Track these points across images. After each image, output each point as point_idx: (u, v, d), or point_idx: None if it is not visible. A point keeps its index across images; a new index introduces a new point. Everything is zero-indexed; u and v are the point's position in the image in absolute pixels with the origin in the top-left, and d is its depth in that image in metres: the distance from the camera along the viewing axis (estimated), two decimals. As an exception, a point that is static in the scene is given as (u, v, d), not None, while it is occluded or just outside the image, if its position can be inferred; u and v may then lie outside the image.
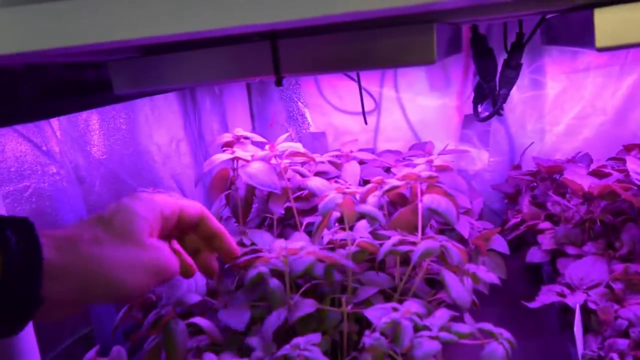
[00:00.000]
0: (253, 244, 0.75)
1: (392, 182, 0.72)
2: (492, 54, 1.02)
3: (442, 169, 0.78)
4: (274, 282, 0.66)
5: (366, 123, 1.22)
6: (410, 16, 0.55)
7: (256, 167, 0.79)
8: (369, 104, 1.24)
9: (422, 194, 0.70)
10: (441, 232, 0.87)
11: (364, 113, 1.20)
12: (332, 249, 0.72)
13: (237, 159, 0.78)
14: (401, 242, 0.66)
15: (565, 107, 1.15)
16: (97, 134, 0.91)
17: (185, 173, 1.14)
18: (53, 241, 0.43)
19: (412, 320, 0.57)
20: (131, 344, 0.70)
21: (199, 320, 0.61)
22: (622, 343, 0.62)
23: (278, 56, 0.62)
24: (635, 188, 0.78)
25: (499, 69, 1.02)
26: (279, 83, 0.63)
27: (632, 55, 1.09)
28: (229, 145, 0.86)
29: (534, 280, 0.92)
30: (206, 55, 0.66)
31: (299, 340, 0.57)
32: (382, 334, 0.57)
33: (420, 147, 1.11)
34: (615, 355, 0.60)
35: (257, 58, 0.64)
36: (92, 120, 0.90)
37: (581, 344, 0.65)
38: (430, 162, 0.78)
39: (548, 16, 0.85)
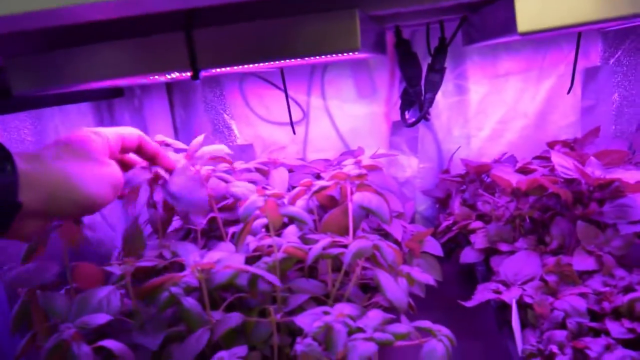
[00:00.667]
0: (175, 255, 0.69)
1: (321, 183, 0.68)
2: (416, 59, 1.02)
3: (371, 168, 0.75)
4: (188, 302, 0.59)
5: (294, 133, 1.19)
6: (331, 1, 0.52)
7: (178, 181, 0.73)
8: (296, 114, 1.21)
9: (352, 193, 0.67)
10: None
11: (292, 123, 1.17)
12: (259, 257, 0.67)
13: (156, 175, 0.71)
14: (332, 245, 0.62)
15: (488, 111, 1.17)
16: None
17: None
18: (22, 157, 0.48)
19: (345, 323, 0.53)
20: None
21: (108, 342, 0.54)
22: (560, 334, 0.61)
23: (194, 48, 0.58)
24: (562, 181, 0.79)
25: (424, 73, 1.03)
26: (195, 77, 0.58)
27: (549, 59, 1.13)
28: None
29: (470, 281, 0.91)
30: (114, 48, 0.61)
31: (222, 354, 0.52)
32: (314, 339, 0.52)
33: (350, 154, 1.09)
34: (554, 347, 0.59)
35: (170, 50, 0.59)
36: None
37: (520, 338, 0.63)
38: (358, 162, 0.75)
39: (470, 16, 0.86)
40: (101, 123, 1.09)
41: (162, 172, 0.68)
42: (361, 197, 0.65)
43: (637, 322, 0.60)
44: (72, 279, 0.67)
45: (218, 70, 0.64)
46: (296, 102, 1.20)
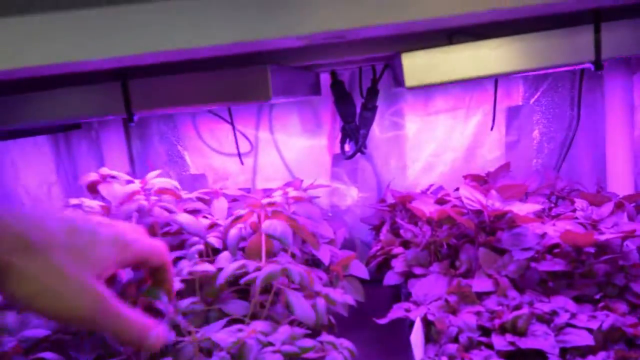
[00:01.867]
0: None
1: (240, 211, 0.76)
2: (350, 98, 1.12)
3: (297, 199, 0.84)
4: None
5: (242, 164, 1.27)
6: (247, 57, 0.61)
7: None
8: (246, 146, 1.29)
9: (270, 217, 0.75)
10: (306, 261, 0.93)
11: (239, 154, 1.25)
12: (193, 281, 0.74)
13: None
14: (242, 267, 0.70)
15: (422, 145, 1.27)
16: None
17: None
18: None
19: (257, 339, 0.61)
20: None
21: (46, 354, 0.61)
22: (452, 347, 0.69)
23: (129, 95, 0.66)
24: (470, 212, 0.88)
25: (358, 111, 1.13)
26: (129, 120, 0.67)
27: (476, 99, 1.24)
28: (93, 185, 0.86)
29: (396, 302, 1.00)
30: (60, 94, 0.68)
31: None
32: (228, 353, 0.59)
33: (292, 184, 1.18)
34: (445, 358, 0.67)
35: (109, 97, 0.67)
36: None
37: (419, 350, 0.71)
38: (285, 194, 0.84)
39: (391, 63, 0.96)
40: (58, 156, 1.15)
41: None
42: (268, 225, 0.73)
43: (518, 337, 0.69)
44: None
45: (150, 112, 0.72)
46: (244, 136, 1.28)
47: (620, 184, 1.12)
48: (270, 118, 1.29)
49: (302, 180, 1.17)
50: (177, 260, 0.83)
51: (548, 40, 0.65)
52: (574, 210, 0.91)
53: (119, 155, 1.31)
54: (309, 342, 0.63)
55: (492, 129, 1.20)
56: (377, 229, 1.17)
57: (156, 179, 0.84)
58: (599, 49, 0.60)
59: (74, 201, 0.80)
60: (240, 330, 0.63)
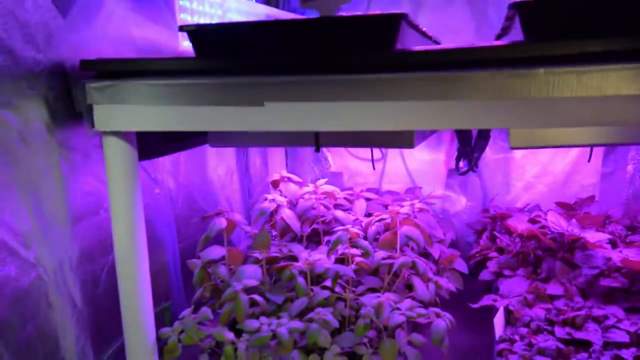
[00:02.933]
0: (290, 251, 1.12)
1: (383, 216, 1.09)
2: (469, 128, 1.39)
3: (420, 210, 1.14)
4: (300, 280, 1.02)
5: (374, 168, 1.59)
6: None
7: (288, 213, 1.16)
8: (378, 154, 1.61)
9: (401, 225, 1.07)
10: (421, 254, 1.23)
11: (372, 161, 1.57)
12: (342, 260, 1.08)
13: (278, 205, 1.15)
14: (389, 257, 1.02)
15: (526, 167, 1.51)
16: (183, 167, 1.29)
17: (234, 197, 1.51)
18: None
19: (390, 304, 0.94)
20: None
21: (255, 296, 0.98)
22: (524, 330, 0.97)
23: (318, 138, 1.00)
24: (553, 232, 1.14)
25: (474, 137, 1.39)
26: (317, 150, 1.01)
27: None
28: (276, 183, 1.23)
29: (486, 294, 1.27)
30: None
31: (319, 309, 0.93)
32: (372, 308, 0.93)
33: (412, 191, 1.48)
34: (517, 337, 0.96)
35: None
36: (180, 157, 1.28)
37: (499, 330, 1.00)
38: (412, 205, 1.15)
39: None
40: (237, 151, 1.54)
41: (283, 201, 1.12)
42: (406, 229, 1.05)
43: (575, 330, 0.95)
44: (228, 258, 1.12)
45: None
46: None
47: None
48: (399, 133, 1.59)
49: (421, 188, 1.47)
50: (327, 242, 1.18)
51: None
52: (643, 241, 1.13)
53: (277, 151, 1.69)
54: (422, 311, 0.94)
55: (589, 160, 1.42)
56: (479, 233, 1.45)
57: (324, 185, 1.18)
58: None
59: (269, 196, 1.16)
60: (378, 296, 0.96)
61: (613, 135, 0.89)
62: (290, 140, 1.02)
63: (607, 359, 0.86)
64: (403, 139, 0.94)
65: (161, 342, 1.00)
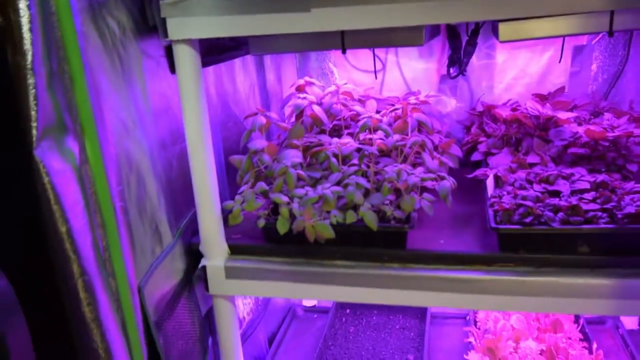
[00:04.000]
0: (319, 140, 1.36)
1: (397, 106, 1.33)
2: (459, 36, 1.62)
3: (423, 102, 1.39)
4: (333, 159, 1.27)
5: (376, 78, 1.82)
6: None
7: (317, 108, 1.39)
8: (378, 65, 1.84)
9: (411, 112, 1.32)
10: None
11: (375, 71, 1.80)
12: (365, 143, 1.33)
13: (310, 102, 1.38)
14: (402, 139, 1.28)
15: (506, 71, 1.76)
16: (219, 78, 1.50)
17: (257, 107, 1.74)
18: None
19: (406, 171, 1.20)
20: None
21: (299, 171, 1.23)
22: (509, 188, 1.25)
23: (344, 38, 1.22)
24: (531, 116, 1.40)
25: (463, 45, 1.63)
26: (343, 51, 1.23)
27: (545, 40, 1.70)
28: (301, 87, 1.46)
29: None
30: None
31: (352, 177, 1.19)
32: (394, 173, 1.19)
33: (412, 94, 1.72)
34: (504, 193, 1.24)
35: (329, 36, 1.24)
36: (218, 69, 1.49)
37: (490, 190, 1.28)
38: (417, 98, 1.39)
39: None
40: (258, 67, 1.75)
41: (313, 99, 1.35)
42: (417, 115, 1.30)
43: (549, 185, 1.23)
44: (268, 149, 1.36)
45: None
46: (378, 58, 1.82)
47: (652, 107, 1.58)
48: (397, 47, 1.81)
49: (419, 91, 1.71)
50: (349, 134, 1.43)
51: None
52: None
53: (289, 68, 1.90)
54: (432, 175, 1.21)
55: (560, 61, 1.67)
56: (467, 128, 1.71)
57: (345, 85, 1.41)
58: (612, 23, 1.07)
59: (300, 95, 1.39)
60: (396, 166, 1.22)
61: (583, 25, 1.13)
62: (320, 43, 1.25)
63: (573, 199, 1.15)
64: (415, 37, 1.17)
65: (225, 212, 1.26)
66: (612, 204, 1.11)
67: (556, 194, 1.20)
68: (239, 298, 1.60)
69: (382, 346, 1.76)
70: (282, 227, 1.18)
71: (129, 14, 1.06)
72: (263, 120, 1.35)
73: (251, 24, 1.06)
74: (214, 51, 1.34)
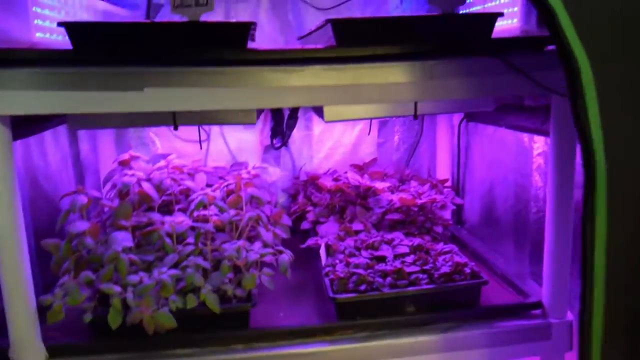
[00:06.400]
0: (150, 219, 1.29)
1: (230, 181, 1.34)
2: (281, 110, 1.70)
3: (255, 176, 1.42)
4: (167, 240, 1.21)
5: (201, 148, 1.81)
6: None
7: (147, 185, 1.33)
8: (202, 135, 1.83)
9: (245, 187, 1.33)
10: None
11: (200, 141, 1.79)
12: (198, 221, 1.30)
13: (138, 178, 1.31)
14: (237, 214, 1.28)
15: (324, 142, 1.89)
16: (28, 151, 1.34)
17: (70, 181, 1.58)
18: None
19: (245, 248, 1.19)
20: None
21: (131, 255, 1.14)
22: (341, 256, 1.33)
23: (175, 117, 1.20)
24: (352, 186, 1.52)
25: (285, 118, 1.72)
26: (175, 128, 1.20)
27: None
28: (126, 162, 1.38)
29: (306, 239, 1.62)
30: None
31: (191, 257, 1.15)
32: (235, 251, 1.17)
33: (239, 165, 1.74)
34: (337, 261, 1.30)
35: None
36: (26, 142, 1.32)
37: (323, 257, 1.34)
38: (249, 172, 1.42)
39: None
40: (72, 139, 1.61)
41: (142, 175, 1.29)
42: (251, 190, 1.32)
43: (374, 250, 1.34)
44: (90, 231, 1.24)
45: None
46: (203, 129, 1.82)
47: (443, 173, 1.83)
48: (220, 117, 1.83)
49: (247, 162, 1.74)
50: (180, 209, 1.38)
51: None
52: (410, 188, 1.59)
53: (106, 137, 1.78)
54: (270, 250, 1.23)
55: (369, 133, 1.86)
56: (293, 197, 1.79)
57: (175, 160, 1.37)
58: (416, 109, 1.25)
59: (128, 172, 1.31)
60: (234, 243, 1.21)
61: (394, 110, 1.28)
62: (150, 119, 1.20)
63: (397, 263, 1.26)
64: (248, 117, 1.20)
65: (41, 307, 1.10)
66: (430, 265, 1.25)
67: (382, 259, 1.31)
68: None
69: None
70: (114, 321, 1.07)
71: None
72: (84, 199, 1.23)
73: (80, 101, 0.98)
74: (21, 124, 1.19)
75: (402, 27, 1.06)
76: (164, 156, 1.81)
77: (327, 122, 1.25)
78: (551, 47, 1.12)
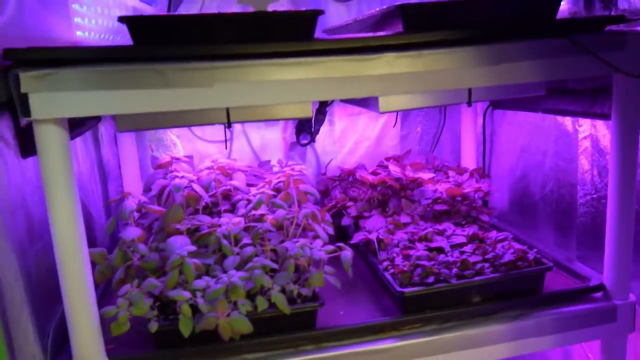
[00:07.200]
0: (200, 221, 1.23)
1: (278, 179, 1.29)
2: (310, 105, 1.66)
3: (298, 172, 1.38)
4: (225, 242, 1.16)
5: (226, 148, 1.75)
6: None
7: (197, 187, 1.27)
8: (225, 134, 1.77)
9: (295, 184, 1.29)
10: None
11: (225, 140, 1.73)
12: (251, 219, 1.25)
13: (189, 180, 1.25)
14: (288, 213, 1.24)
15: (348, 137, 1.86)
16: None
17: (97, 187, 1.51)
18: None
19: (308, 245, 1.16)
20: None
21: (195, 259, 1.09)
22: (396, 250, 1.30)
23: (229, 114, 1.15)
24: (394, 178, 1.50)
25: (314, 113, 1.68)
26: (229, 126, 1.15)
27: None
28: (165, 164, 1.32)
29: (345, 235, 1.58)
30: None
31: (256, 258, 1.10)
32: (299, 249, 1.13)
33: (264, 165, 1.69)
34: (393, 255, 1.28)
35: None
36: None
37: (378, 253, 1.31)
38: (293, 169, 1.38)
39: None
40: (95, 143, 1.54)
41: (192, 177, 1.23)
42: (302, 186, 1.28)
43: (429, 242, 1.32)
44: (139, 238, 1.18)
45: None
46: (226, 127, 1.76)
47: (468, 162, 1.83)
48: (243, 115, 1.78)
49: (269, 161, 1.69)
50: (226, 210, 1.33)
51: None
52: (448, 177, 1.57)
53: (128, 139, 1.71)
54: (331, 247, 1.19)
55: (394, 125, 1.84)
56: (322, 193, 1.75)
57: (221, 160, 1.32)
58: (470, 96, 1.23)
59: (178, 174, 1.25)
60: (296, 241, 1.17)
61: (443, 98, 1.26)
62: (203, 118, 1.15)
63: (456, 253, 1.24)
64: (304, 110, 1.16)
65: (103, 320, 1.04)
66: (491, 254, 1.23)
67: (439, 250, 1.29)
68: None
69: None
70: (185, 328, 1.02)
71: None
72: (133, 204, 1.17)
73: (136, 100, 0.92)
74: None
75: (471, 10, 1.04)
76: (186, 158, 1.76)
77: (381, 112, 1.22)
78: (610, 28, 1.12)
